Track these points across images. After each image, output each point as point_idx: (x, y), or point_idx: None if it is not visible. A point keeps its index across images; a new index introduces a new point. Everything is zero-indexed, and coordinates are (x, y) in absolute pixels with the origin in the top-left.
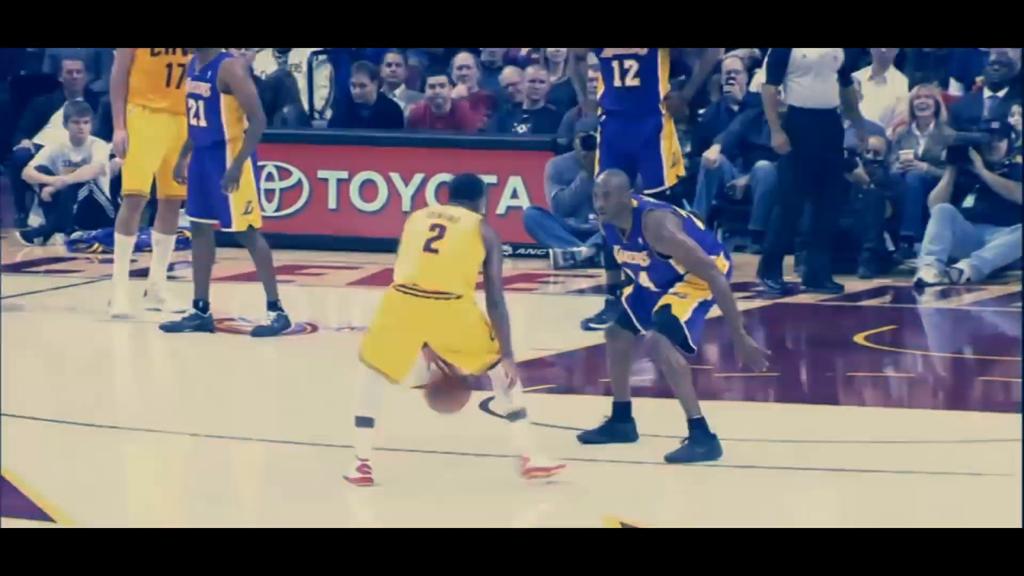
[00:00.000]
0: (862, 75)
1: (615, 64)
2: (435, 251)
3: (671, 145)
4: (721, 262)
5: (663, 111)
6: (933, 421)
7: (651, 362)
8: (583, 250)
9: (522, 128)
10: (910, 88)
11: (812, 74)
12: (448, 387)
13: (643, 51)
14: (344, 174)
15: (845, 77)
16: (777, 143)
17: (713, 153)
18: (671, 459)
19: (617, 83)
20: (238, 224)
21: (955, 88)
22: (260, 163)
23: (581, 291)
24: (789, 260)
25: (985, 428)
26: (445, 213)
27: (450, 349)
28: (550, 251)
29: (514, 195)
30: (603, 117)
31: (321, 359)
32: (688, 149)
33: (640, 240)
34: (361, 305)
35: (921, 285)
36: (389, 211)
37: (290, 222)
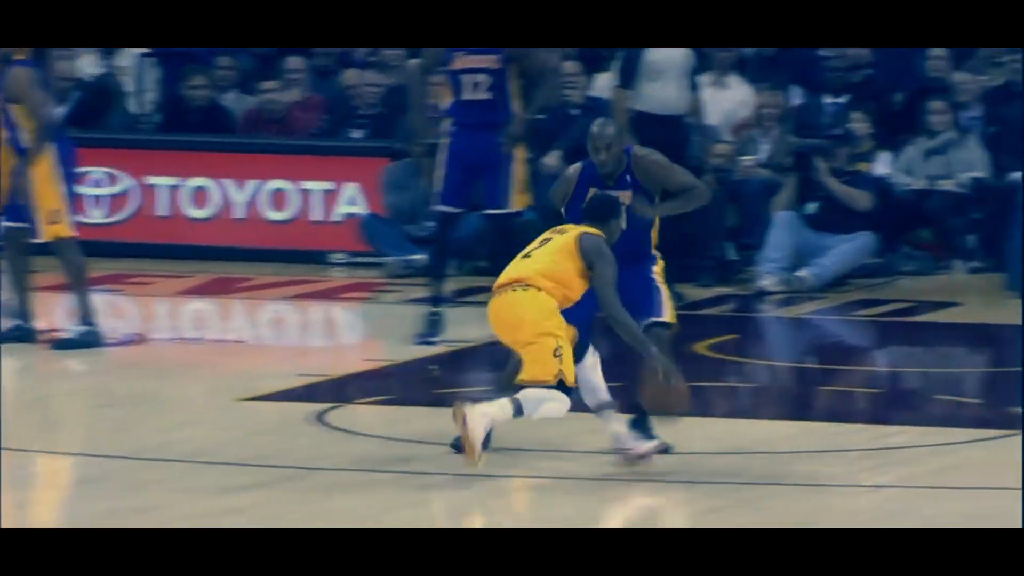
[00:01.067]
0: (702, 80)
1: (465, 77)
2: (528, 255)
3: (521, 171)
4: None
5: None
6: (776, 432)
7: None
8: (421, 258)
9: (358, 133)
10: (757, 93)
11: (663, 79)
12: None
13: (495, 65)
14: (175, 180)
15: (692, 82)
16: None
17: (552, 160)
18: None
19: (467, 95)
20: (44, 234)
21: (796, 93)
22: (86, 169)
23: (418, 300)
24: None
25: (828, 438)
26: (562, 228)
27: (515, 343)
28: (386, 259)
29: (351, 202)
30: (452, 128)
31: (148, 371)
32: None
33: (628, 178)
34: (192, 315)
35: (762, 293)
36: (222, 218)
37: (118, 229)
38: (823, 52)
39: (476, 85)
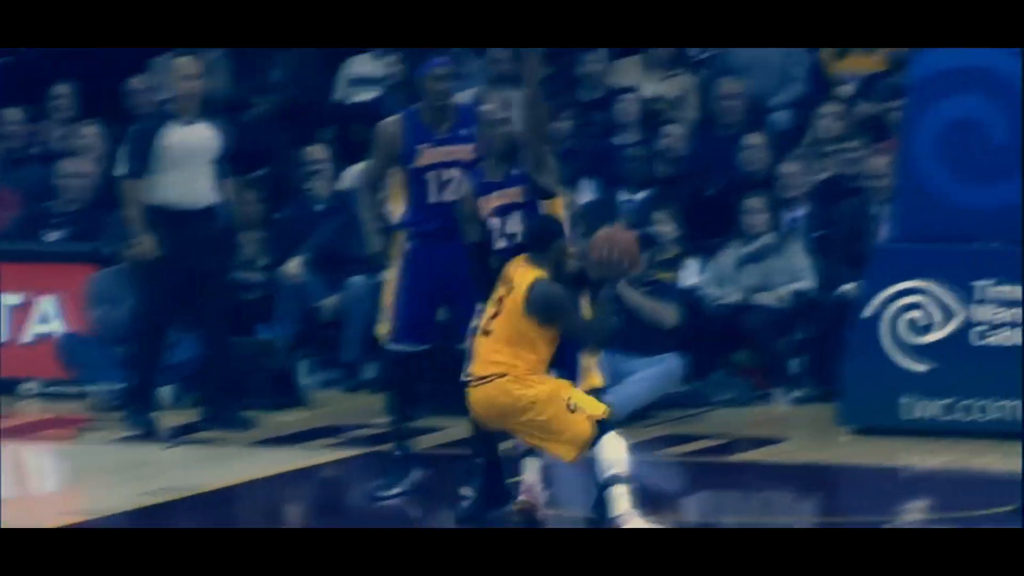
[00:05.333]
0: None
1: (431, 175)
2: (488, 333)
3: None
4: None
5: None
6: None
7: None
8: None
9: (56, 235)
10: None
11: (184, 167)
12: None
13: (470, 156)
14: None
15: (223, 167)
16: (142, 248)
17: (294, 266)
18: None
19: (433, 198)
20: None
21: (586, 188)
22: None
23: (135, 437)
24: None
25: None
26: (509, 277)
27: (532, 436)
28: (92, 388)
29: (44, 319)
30: (411, 242)
31: None
32: (265, 261)
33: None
34: None
35: None
36: None
37: None
38: (619, 140)
39: (444, 184)
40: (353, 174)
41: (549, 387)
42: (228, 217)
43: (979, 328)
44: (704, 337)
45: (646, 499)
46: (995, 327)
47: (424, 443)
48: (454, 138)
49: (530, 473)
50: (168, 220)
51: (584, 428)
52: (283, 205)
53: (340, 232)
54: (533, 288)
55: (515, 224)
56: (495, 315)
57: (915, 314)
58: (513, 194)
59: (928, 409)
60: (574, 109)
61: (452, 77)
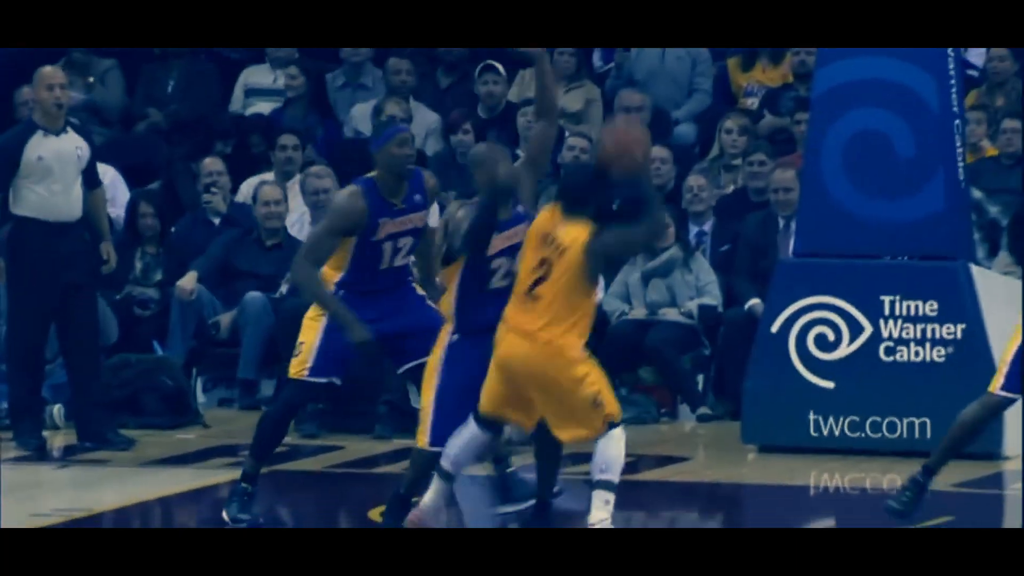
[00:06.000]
0: None
1: (387, 246)
2: (534, 295)
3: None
4: None
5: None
6: None
7: None
8: None
9: None
10: None
11: (51, 179)
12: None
13: (420, 223)
14: None
15: (92, 179)
16: None
17: (189, 281)
18: None
19: (385, 264)
20: None
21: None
22: None
23: (26, 458)
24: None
25: None
26: (552, 238)
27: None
28: None
29: None
30: (341, 294)
31: None
32: (159, 277)
33: None
34: None
35: None
36: None
37: None
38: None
39: (398, 251)
40: (250, 186)
41: (592, 372)
42: (96, 229)
43: (887, 344)
44: (608, 353)
45: (554, 519)
46: (903, 343)
47: (324, 462)
48: (411, 207)
49: (431, 495)
50: (33, 232)
51: (596, 425)
52: (178, 219)
53: (236, 246)
54: (592, 239)
55: (515, 264)
56: (540, 279)
57: (822, 330)
58: (521, 232)
59: (835, 426)
60: (473, 121)
61: (412, 142)
